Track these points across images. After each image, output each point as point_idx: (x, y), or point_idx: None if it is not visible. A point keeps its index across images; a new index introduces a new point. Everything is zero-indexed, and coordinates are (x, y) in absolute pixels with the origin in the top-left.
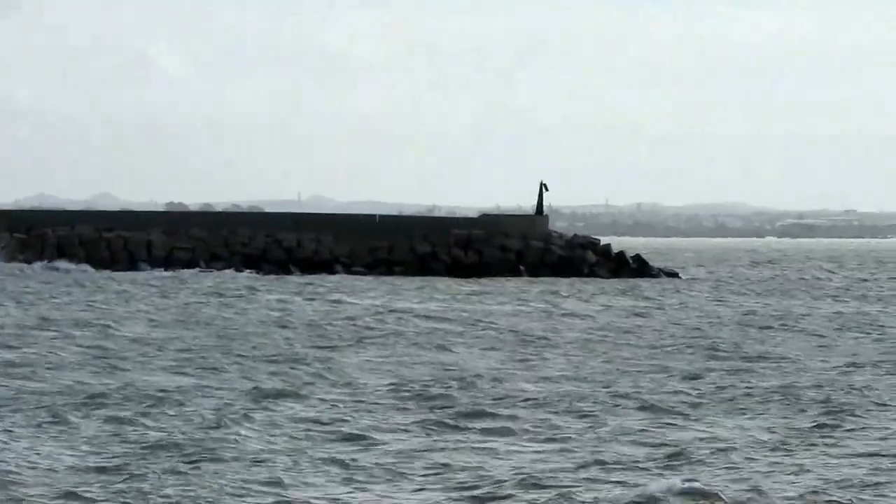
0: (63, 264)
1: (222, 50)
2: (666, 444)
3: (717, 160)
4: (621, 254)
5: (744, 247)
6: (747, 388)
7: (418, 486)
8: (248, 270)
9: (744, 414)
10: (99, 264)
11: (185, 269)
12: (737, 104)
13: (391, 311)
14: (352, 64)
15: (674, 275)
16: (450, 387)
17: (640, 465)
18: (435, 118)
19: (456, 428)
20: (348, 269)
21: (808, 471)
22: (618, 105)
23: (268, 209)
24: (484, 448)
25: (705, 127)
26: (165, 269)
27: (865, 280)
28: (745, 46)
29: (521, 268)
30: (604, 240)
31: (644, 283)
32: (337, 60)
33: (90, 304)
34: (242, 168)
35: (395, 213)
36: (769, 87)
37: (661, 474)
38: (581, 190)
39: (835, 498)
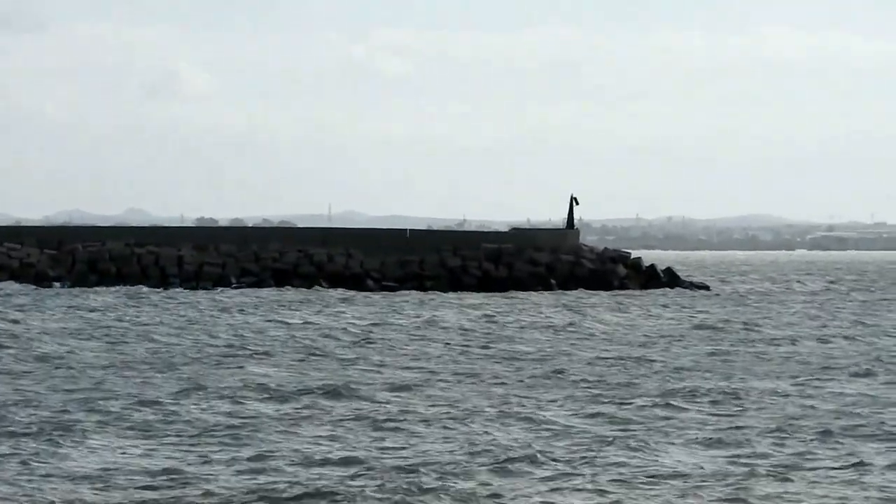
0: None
1: (251, 64)
2: None
3: (746, 173)
4: (652, 267)
5: (780, 258)
6: None
7: None
8: (278, 288)
9: None
10: (130, 280)
11: (217, 286)
12: (766, 117)
13: None
14: (382, 78)
15: (703, 287)
16: None
17: None
18: (465, 133)
19: None
20: (379, 284)
21: None
22: (647, 120)
23: (298, 224)
24: None
25: (735, 140)
26: (197, 285)
27: None
28: (774, 60)
29: (552, 281)
30: (634, 253)
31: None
32: (366, 75)
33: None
34: (272, 183)
35: (425, 227)
36: (798, 99)
37: None
38: (612, 204)
39: None
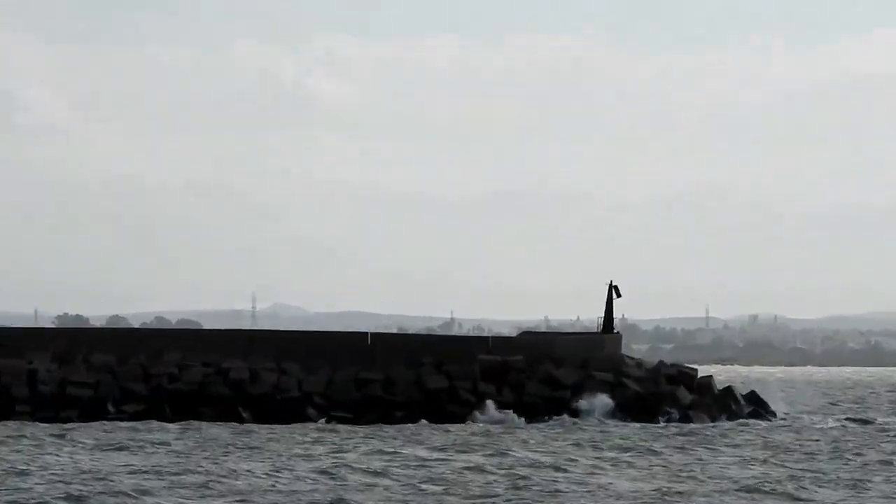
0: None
1: (120, 85)
2: None
3: (865, 251)
4: (729, 390)
5: None
6: None
7: None
8: (178, 421)
9: None
10: None
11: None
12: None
13: None
14: (319, 105)
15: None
16: None
17: None
18: (452, 184)
19: None
20: (326, 414)
21: None
22: (717, 171)
23: (207, 324)
24: None
25: (847, 210)
26: (56, 416)
27: None
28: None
29: (579, 407)
30: (703, 369)
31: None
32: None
33: None
34: (168, 263)
35: (393, 329)
36: None
37: None
38: (670, 297)
39: None
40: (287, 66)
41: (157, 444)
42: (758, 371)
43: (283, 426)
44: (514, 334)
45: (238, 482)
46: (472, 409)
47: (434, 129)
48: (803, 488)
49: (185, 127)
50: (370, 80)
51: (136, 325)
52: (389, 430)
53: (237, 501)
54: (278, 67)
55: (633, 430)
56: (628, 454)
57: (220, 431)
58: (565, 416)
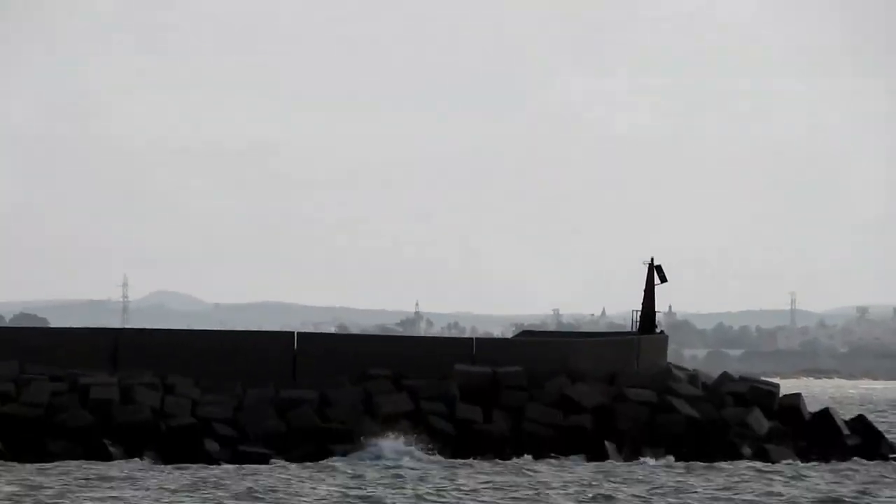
0: None
1: None
2: None
3: None
4: (826, 414)
5: None
6: None
7: None
8: (7, 461)
9: None
10: None
11: None
12: None
13: None
14: None
15: None
16: None
17: None
18: (417, 138)
19: None
20: (234, 449)
21: None
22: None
23: (58, 321)
24: None
25: None
26: None
27: None
28: None
29: (607, 445)
30: (786, 384)
31: None
32: None
33: None
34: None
35: (331, 328)
36: None
37: None
38: (738, 280)
39: None
40: None
41: None
42: (868, 387)
43: (170, 467)
44: (509, 335)
45: None
46: (445, 441)
47: None
48: None
49: None
50: None
51: None
52: (328, 472)
53: None
54: None
55: (677, 477)
56: None
57: (71, 468)
58: (582, 457)
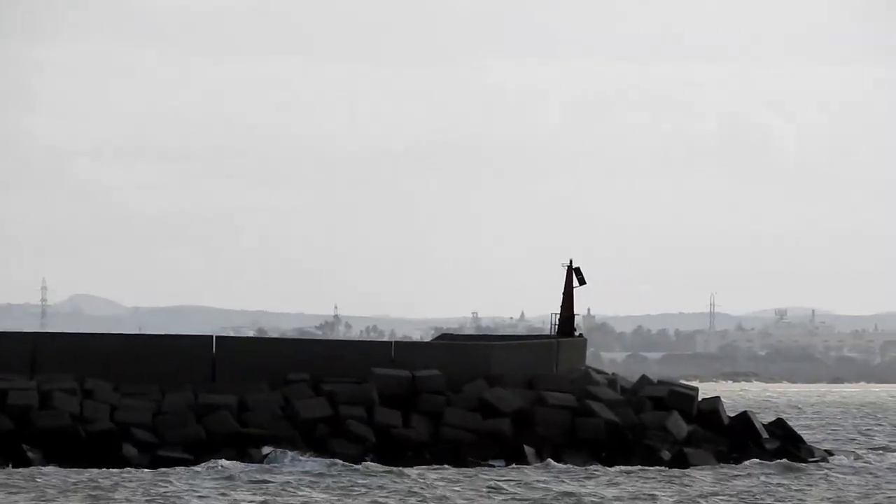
0: None
1: None
2: None
3: None
4: (745, 418)
5: None
6: None
7: None
8: None
9: None
10: None
11: None
12: None
13: None
14: None
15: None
16: None
17: None
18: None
19: None
20: (152, 454)
21: None
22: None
23: None
24: None
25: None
26: None
27: None
28: None
29: (527, 449)
30: (705, 388)
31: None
32: None
33: None
34: None
35: (250, 332)
36: None
37: None
38: (657, 283)
39: None
40: None
41: None
42: (787, 390)
43: (88, 471)
44: (428, 338)
45: None
46: (365, 447)
47: None
48: None
49: None
50: None
51: None
52: (245, 476)
53: None
54: None
55: (595, 478)
56: None
57: None
58: (502, 462)
